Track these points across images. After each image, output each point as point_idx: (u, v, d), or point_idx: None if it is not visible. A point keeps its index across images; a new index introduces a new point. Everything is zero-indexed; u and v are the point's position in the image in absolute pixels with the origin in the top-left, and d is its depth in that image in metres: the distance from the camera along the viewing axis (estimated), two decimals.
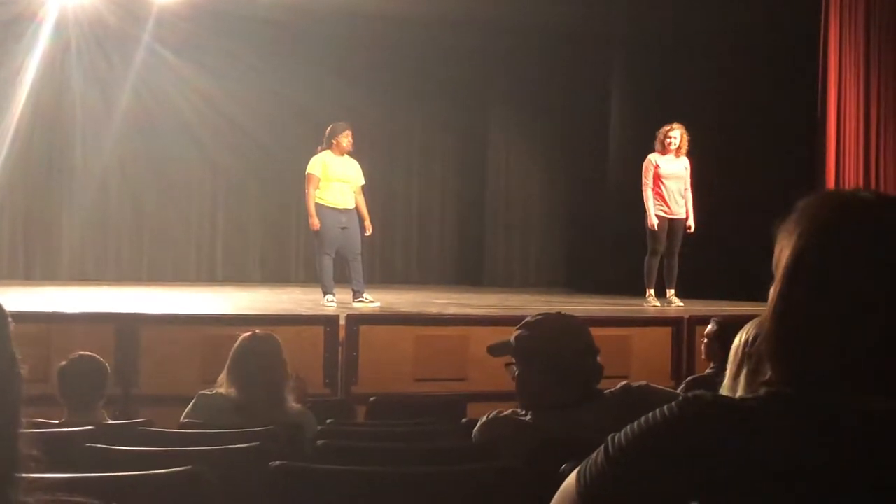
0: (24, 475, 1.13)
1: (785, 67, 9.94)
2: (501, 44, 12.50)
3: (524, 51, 12.56)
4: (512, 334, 3.22)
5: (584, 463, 1.25)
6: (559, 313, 3.34)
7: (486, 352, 3.34)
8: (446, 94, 13.24)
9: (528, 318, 3.25)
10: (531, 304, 9.41)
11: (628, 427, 1.22)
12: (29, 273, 12.08)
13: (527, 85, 13.02)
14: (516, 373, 3.17)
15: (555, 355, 3.10)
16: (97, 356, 4.44)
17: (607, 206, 12.17)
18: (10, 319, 1.18)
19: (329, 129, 8.89)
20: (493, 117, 13.68)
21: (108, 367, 4.48)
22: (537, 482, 2.41)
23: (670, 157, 8.96)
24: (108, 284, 11.13)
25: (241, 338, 4.24)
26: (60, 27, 11.33)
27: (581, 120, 12.72)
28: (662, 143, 8.97)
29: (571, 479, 1.25)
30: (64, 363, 4.32)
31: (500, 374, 3.42)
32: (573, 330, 3.22)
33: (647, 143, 9.10)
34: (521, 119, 13.44)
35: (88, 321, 6.48)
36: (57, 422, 3.92)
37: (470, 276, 13.40)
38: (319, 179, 8.71)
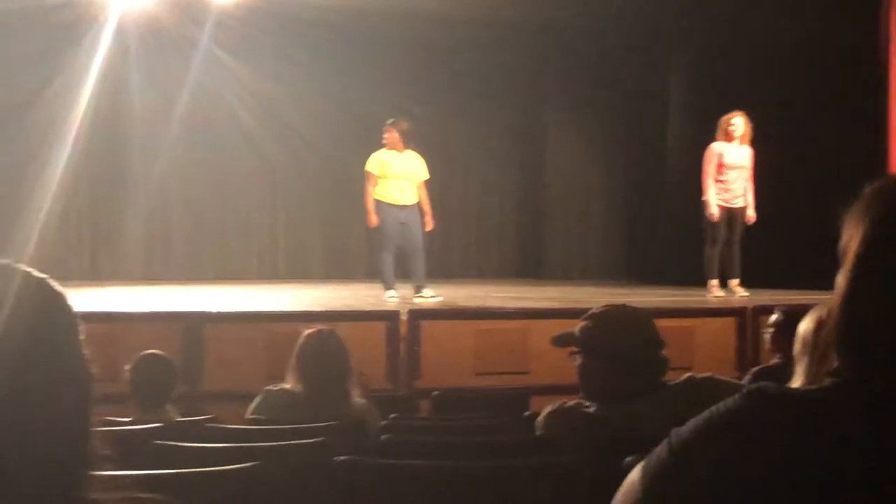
0: (96, 473, 1.15)
1: (846, 54, 9.77)
2: (557, 40, 12.45)
3: (580, 46, 12.49)
4: (576, 325, 3.21)
5: (647, 457, 1.24)
6: (624, 305, 3.33)
7: (547, 345, 3.33)
8: (502, 93, 13.20)
9: (594, 310, 3.23)
10: (592, 297, 9.34)
11: (692, 420, 1.21)
12: (96, 274, 12.27)
13: (584, 77, 12.92)
14: (579, 361, 3.16)
15: (619, 347, 3.08)
16: (166, 354, 4.50)
17: (668, 196, 12.06)
18: (79, 320, 1.20)
19: None
20: (550, 110, 13.58)
21: (177, 365, 4.54)
22: (600, 476, 2.40)
23: (734, 145, 8.85)
24: (173, 283, 11.27)
25: (305, 334, 4.28)
26: (119, 31, 11.46)
27: (640, 110, 12.61)
28: (725, 131, 8.85)
29: (635, 473, 1.24)
30: (134, 362, 4.37)
31: (563, 367, 3.41)
32: (638, 322, 3.20)
33: (708, 131, 9.00)
34: (579, 110, 13.33)
35: (155, 320, 6.59)
36: (127, 420, 3.98)
37: (530, 269, 13.35)
38: (378, 177, 8.74)
